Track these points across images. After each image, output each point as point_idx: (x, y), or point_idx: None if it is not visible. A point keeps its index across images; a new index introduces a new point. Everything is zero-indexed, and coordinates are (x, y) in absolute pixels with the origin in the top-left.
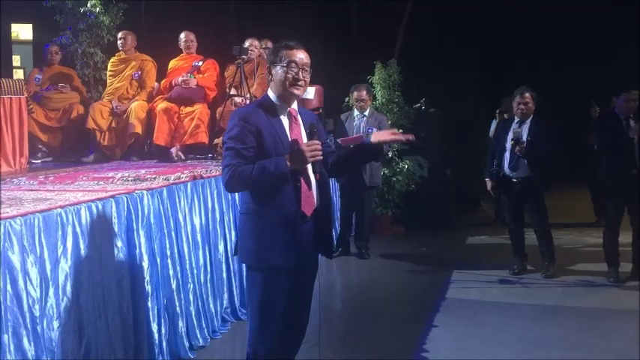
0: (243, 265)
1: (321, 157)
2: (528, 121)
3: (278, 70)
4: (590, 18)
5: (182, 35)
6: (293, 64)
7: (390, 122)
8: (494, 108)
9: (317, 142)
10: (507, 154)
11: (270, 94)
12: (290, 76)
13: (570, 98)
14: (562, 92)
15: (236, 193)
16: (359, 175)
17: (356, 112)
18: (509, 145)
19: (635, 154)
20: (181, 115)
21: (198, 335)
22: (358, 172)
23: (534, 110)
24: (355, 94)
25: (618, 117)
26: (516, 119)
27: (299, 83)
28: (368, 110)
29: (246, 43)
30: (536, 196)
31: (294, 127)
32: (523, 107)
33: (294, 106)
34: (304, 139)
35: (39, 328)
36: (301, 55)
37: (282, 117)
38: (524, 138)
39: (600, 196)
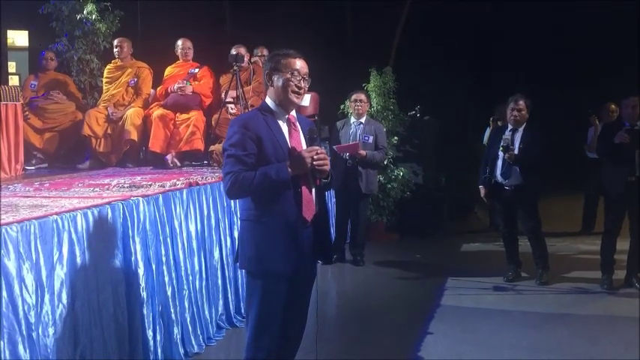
0: (241, 271)
1: (327, 164)
2: (521, 129)
3: (280, 78)
4: (584, 24)
5: (179, 42)
6: (296, 73)
7: (385, 129)
8: (489, 115)
9: (317, 147)
10: (499, 162)
11: (269, 101)
12: (293, 84)
13: (565, 107)
14: (556, 100)
15: (233, 200)
16: (354, 182)
17: (352, 119)
18: (501, 152)
19: (635, 160)
20: (177, 122)
21: (193, 342)
22: (354, 179)
23: (528, 118)
24: (354, 96)
25: (623, 124)
26: (509, 127)
27: (300, 91)
28: (364, 117)
29: (233, 51)
30: (528, 203)
31: (293, 134)
32: (517, 114)
33: (293, 112)
34: (303, 146)
35: (34, 334)
36: (302, 64)
37: (281, 123)
38: (517, 145)
39: (592, 206)
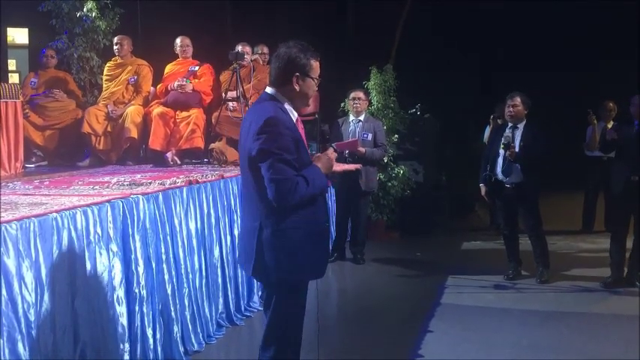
0: (241, 271)
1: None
2: (521, 126)
3: (307, 83)
4: (583, 24)
5: (178, 40)
6: (318, 76)
7: (385, 127)
8: (489, 114)
9: (331, 149)
10: (500, 160)
11: (280, 97)
12: (316, 88)
13: (564, 104)
14: (557, 98)
15: (235, 200)
16: (354, 181)
17: (352, 117)
18: (501, 150)
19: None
20: (177, 120)
21: (193, 340)
22: (354, 177)
23: (527, 115)
24: (352, 94)
25: (632, 123)
26: (509, 124)
27: None
28: (364, 115)
29: (239, 48)
30: (529, 202)
31: (302, 132)
32: (512, 109)
33: None
34: None
35: (34, 332)
36: None
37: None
38: (518, 143)
39: (591, 204)
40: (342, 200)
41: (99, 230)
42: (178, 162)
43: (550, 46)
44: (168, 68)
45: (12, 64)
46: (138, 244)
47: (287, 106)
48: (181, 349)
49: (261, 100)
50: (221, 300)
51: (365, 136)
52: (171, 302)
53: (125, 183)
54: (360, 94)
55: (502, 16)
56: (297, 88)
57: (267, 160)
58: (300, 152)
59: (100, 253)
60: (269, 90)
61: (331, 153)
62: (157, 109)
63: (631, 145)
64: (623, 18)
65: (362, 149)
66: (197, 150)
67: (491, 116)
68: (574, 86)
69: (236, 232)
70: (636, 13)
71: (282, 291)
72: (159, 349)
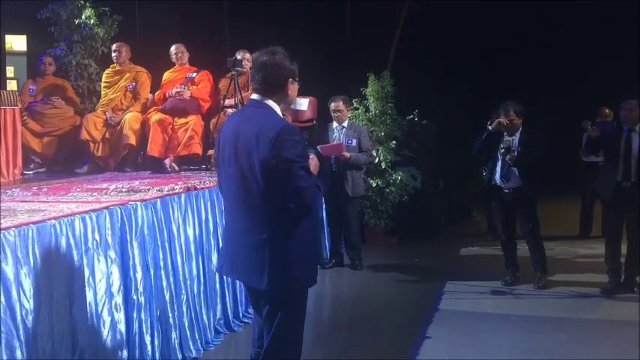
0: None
1: None
2: (518, 132)
3: (296, 86)
4: (583, 24)
5: (172, 48)
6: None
7: (383, 134)
8: (486, 119)
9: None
10: (499, 164)
11: (271, 104)
12: None
13: (561, 110)
14: (554, 103)
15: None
16: (341, 187)
17: (335, 124)
18: (500, 155)
19: (632, 165)
20: (175, 127)
21: (191, 346)
22: (340, 183)
23: (525, 121)
24: (332, 105)
25: (621, 127)
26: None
27: None
28: (347, 121)
29: (238, 56)
30: (527, 206)
31: None
32: (508, 124)
33: None
34: None
35: (32, 339)
36: None
37: None
38: (515, 149)
39: (589, 210)
40: (331, 207)
41: (97, 237)
42: (176, 168)
43: (548, 51)
44: (166, 75)
45: (10, 71)
46: (136, 251)
47: (278, 112)
48: (179, 355)
49: (250, 106)
50: (219, 306)
51: (349, 142)
52: (169, 308)
53: (123, 189)
54: (340, 106)
55: (501, 20)
56: (289, 93)
57: (292, 168)
58: None
59: (99, 260)
60: (257, 97)
61: (313, 157)
62: (155, 116)
63: (620, 150)
64: (623, 18)
65: (347, 154)
66: (195, 156)
67: (489, 122)
68: (573, 89)
69: None
70: (636, 13)
71: (301, 299)
72: (157, 355)
